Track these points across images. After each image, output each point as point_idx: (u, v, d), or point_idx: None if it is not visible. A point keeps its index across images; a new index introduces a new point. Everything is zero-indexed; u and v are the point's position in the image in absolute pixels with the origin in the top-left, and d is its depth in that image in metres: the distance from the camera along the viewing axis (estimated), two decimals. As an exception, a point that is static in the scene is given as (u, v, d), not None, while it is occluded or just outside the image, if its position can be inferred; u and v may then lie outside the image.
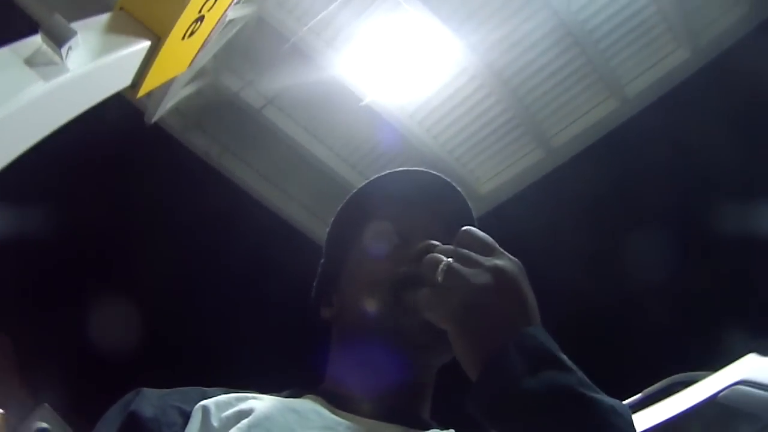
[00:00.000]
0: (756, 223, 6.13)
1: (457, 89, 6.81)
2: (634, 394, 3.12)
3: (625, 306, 7.48)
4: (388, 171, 1.06)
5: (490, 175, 7.36)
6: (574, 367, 0.69)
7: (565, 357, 0.69)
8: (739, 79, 6.48)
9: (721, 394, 2.33)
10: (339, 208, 1.09)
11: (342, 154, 7.60)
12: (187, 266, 8.62)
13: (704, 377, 2.60)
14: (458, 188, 1.05)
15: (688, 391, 2.60)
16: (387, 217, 1.00)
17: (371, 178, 1.06)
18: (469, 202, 1.06)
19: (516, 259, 0.76)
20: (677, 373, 2.99)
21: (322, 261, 1.10)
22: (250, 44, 6.65)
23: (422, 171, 1.05)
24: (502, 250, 0.77)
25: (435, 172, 1.05)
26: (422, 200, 1.02)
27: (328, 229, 1.10)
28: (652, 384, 3.05)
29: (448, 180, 1.05)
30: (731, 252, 6.96)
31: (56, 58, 2.30)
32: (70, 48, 2.32)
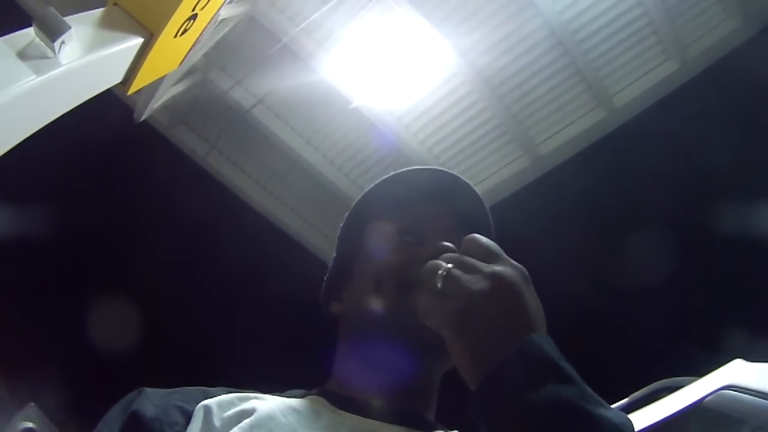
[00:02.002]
0: (743, 231, 6.19)
1: (446, 94, 6.84)
2: (621, 399, 3.14)
3: (608, 313, 7.51)
4: (403, 169, 1.05)
5: (475, 182, 7.33)
6: (577, 378, 0.67)
7: (568, 367, 0.68)
8: (727, 92, 6.56)
9: (707, 398, 2.35)
10: (354, 204, 1.09)
11: (329, 156, 7.59)
12: (172, 265, 8.57)
13: (690, 382, 2.62)
14: (473, 186, 1.05)
15: (674, 396, 2.61)
16: (400, 215, 1.00)
17: (387, 176, 1.06)
18: (484, 201, 1.06)
19: (520, 266, 0.74)
20: (664, 378, 3.01)
21: (334, 255, 1.10)
22: (241, 43, 6.64)
23: (437, 169, 1.05)
24: (506, 256, 0.75)
25: (449, 171, 1.05)
26: (436, 199, 1.02)
27: (341, 224, 1.10)
28: (640, 389, 3.07)
29: (463, 178, 1.05)
30: (720, 256, 7.02)
31: (49, 51, 2.28)
32: (63, 42, 2.31)
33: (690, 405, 2.43)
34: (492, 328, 0.69)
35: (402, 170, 1.05)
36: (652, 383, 3.07)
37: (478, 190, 1.07)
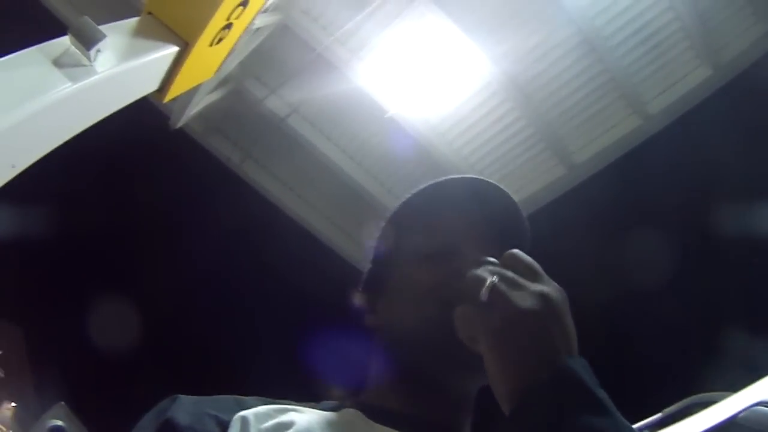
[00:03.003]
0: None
1: (480, 103, 6.81)
2: (654, 413, 3.06)
3: (646, 323, 7.37)
4: (438, 179, 1.01)
5: (511, 191, 7.28)
6: (611, 408, 0.65)
7: (602, 394, 0.66)
8: (761, 96, 6.41)
9: (741, 414, 2.28)
10: (388, 216, 1.05)
11: (365, 165, 7.62)
12: (206, 270, 8.68)
13: (724, 398, 2.55)
14: (512, 196, 1.01)
15: (708, 412, 2.55)
16: (435, 229, 0.97)
17: (421, 186, 1.02)
18: (521, 210, 1.02)
19: (559, 287, 0.73)
20: (697, 392, 2.93)
21: (368, 267, 1.06)
22: (275, 53, 6.70)
23: (473, 178, 1.01)
24: (547, 276, 0.74)
25: (486, 179, 1.01)
26: (472, 210, 0.99)
27: (376, 235, 1.06)
28: (672, 403, 2.99)
29: (503, 188, 1.01)
30: (754, 269, 6.84)
31: (84, 60, 2.33)
32: (98, 50, 2.36)
33: (723, 421, 2.36)
34: (533, 347, 0.68)
35: (436, 180, 1.02)
36: (685, 398, 3.00)
37: (514, 199, 1.04)
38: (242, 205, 8.11)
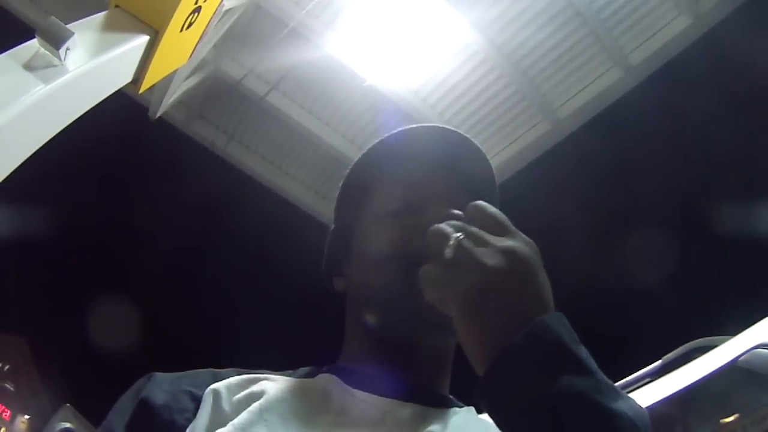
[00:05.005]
0: (761, 188, 6.09)
1: (460, 65, 6.76)
2: (654, 361, 3.08)
3: (638, 272, 7.45)
4: (399, 128, 0.96)
5: (497, 150, 7.31)
6: (592, 365, 0.61)
7: (582, 351, 0.61)
8: (740, 47, 6.40)
9: (741, 358, 2.31)
10: (349, 169, 1.00)
11: (348, 135, 7.59)
12: (201, 257, 8.69)
13: (723, 342, 2.57)
14: (476, 143, 0.96)
15: (708, 356, 2.57)
16: (399, 181, 0.93)
17: (382, 137, 0.97)
18: (489, 159, 0.97)
19: (530, 240, 0.67)
20: (696, 338, 2.95)
21: (332, 228, 1.02)
22: (249, 31, 6.63)
23: (437, 127, 0.96)
24: (515, 229, 0.68)
25: (451, 128, 0.95)
26: (437, 160, 0.93)
27: (337, 193, 1.02)
28: (671, 350, 3.01)
29: (466, 135, 0.95)
30: (741, 219, 6.91)
31: (55, 60, 2.29)
32: (68, 49, 2.32)
33: (724, 365, 2.39)
34: (504, 308, 0.62)
35: (397, 130, 0.97)
36: (684, 344, 3.02)
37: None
38: (229, 188, 8.10)
